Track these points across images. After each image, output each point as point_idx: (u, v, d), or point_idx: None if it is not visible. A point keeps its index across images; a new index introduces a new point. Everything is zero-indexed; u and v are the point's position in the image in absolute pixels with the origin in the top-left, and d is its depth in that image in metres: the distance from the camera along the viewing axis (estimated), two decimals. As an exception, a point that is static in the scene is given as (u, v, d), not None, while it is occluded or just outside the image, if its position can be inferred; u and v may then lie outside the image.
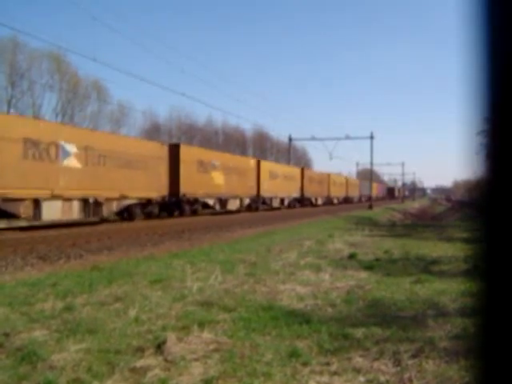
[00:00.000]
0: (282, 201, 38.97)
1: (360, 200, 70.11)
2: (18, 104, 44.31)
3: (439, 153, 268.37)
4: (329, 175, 53.39)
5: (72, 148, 17.43)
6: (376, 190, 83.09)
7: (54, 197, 16.48)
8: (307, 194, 44.23)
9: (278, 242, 13.38)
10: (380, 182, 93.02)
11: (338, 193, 57.26)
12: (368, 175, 61.09)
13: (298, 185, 42.49)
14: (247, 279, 7.53)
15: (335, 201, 55.79)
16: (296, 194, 41.97)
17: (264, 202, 35.85)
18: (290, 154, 52.65)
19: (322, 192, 49.40)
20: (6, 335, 4.49)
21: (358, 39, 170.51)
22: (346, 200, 61.08)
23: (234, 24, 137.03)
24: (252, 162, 34.73)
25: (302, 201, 43.33)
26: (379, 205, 56.53)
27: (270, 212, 33.84)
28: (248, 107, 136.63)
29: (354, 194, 67.46)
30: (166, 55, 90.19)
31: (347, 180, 64.97)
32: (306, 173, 44.94)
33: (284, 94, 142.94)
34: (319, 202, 48.45)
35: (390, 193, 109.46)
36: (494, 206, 0.82)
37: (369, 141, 46.10)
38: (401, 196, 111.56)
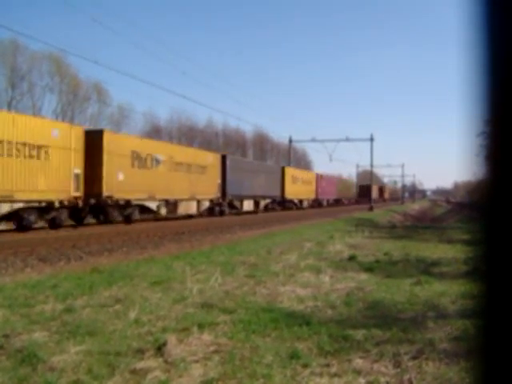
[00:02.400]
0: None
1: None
2: (18, 106, 44.32)
3: (439, 154, 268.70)
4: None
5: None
6: (311, 187, 47.51)
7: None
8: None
9: (279, 243, 13.38)
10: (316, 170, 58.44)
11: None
12: (368, 177, 60.89)
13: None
14: (247, 281, 7.53)
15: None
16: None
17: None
18: (290, 155, 52.66)
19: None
20: (6, 337, 4.49)
21: (359, 41, 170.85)
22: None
23: (234, 26, 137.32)
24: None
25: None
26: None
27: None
28: (248, 109, 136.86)
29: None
30: (167, 57, 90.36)
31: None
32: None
33: (284, 96, 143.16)
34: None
35: (364, 193, 70.57)
36: (494, 208, 0.82)
37: (369, 142, 46.23)
38: (386, 198, 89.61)
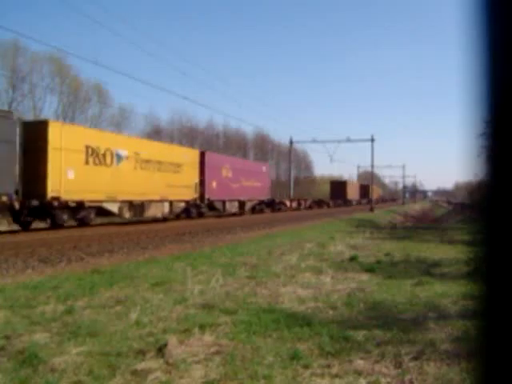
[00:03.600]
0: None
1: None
2: (18, 107, 44.33)
3: (441, 155, 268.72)
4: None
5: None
6: (183, 177, 24.54)
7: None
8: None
9: (280, 244, 13.37)
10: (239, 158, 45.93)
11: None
12: (369, 178, 60.78)
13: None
14: (248, 282, 7.53)
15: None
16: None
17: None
18: (290, 156, 52.69)
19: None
20: (8, 338, 4.49)
21: (359, 42, 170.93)
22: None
23: (235, 26, 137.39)
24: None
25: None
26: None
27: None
28: (249, 110, 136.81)
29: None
30: (167, 58, 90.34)
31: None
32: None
33: (285, 97, 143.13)
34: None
35: (338, 193, 55.95)
36: (494, 208, 0.82)
37: (370, 143, 46.21)
38: (374, 199, 59.49)
